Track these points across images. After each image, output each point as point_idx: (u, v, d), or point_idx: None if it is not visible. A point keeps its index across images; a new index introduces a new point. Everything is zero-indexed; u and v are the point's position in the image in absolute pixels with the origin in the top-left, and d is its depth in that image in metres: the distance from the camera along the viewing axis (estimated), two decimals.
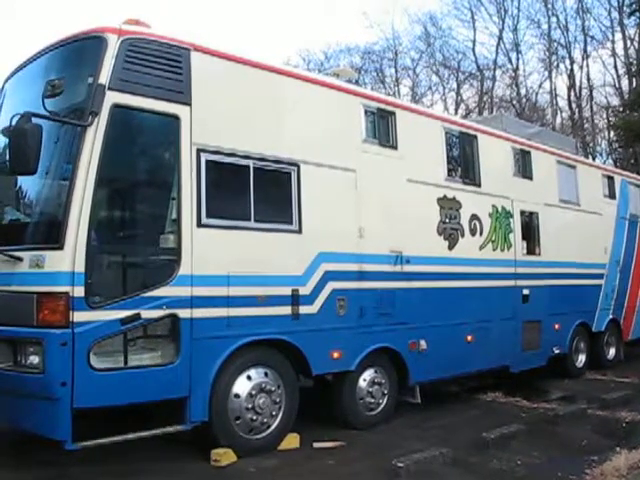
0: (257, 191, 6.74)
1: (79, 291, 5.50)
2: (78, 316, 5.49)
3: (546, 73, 34.34)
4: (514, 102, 34.23)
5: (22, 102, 6.34)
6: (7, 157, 5.68)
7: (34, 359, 5.54)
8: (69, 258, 5.48)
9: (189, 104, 6.29)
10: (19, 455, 6.40)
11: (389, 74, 39.23)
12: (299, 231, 7.07)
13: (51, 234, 5.67)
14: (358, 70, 34.85)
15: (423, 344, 8.22)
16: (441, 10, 46.54)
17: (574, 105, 33.36)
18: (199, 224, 6.23)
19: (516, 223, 10.19)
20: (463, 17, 36.34)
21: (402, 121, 8.37)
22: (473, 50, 35.75)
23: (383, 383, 7.95)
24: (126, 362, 5.81)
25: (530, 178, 10.69)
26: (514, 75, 34.57)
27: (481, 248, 9.45)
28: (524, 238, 10.39)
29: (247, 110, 6.85)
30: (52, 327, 5.46)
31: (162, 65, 6.19)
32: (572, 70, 33.15)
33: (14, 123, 5.47)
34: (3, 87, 7.37)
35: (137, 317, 5.78)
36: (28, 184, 6.40)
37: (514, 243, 10.09)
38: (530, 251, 10.50)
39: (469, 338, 8.96)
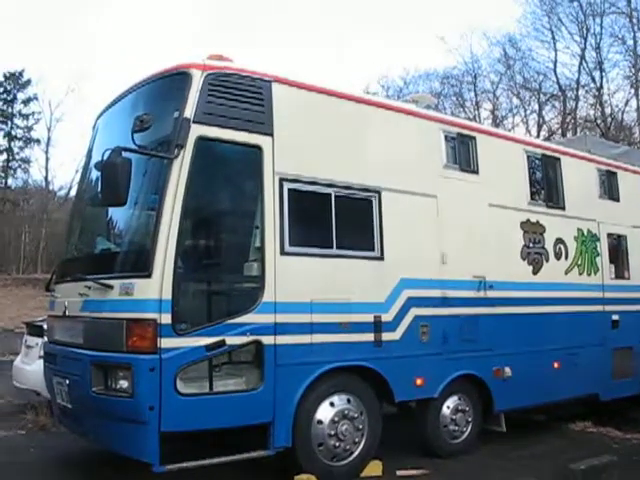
0: (339, 218, 6.80)
1: (166, 318, 5.65)
2: (165, 342, 5.64)
3: (632, 90, 33.40)
4: (598, 122, 33.36)
5: (112, 137, 6.64)
6: (99, 189, 5.93)
7: (123, 383, 5.70)
8: (157, 286, 5.65)
9: (271, 134, 6.43)
10: (110, 476, 6.58)
11: (469, 98, 39.08)
12: (381, 258, 7.08)
13: (140, 263, 5.86)
14: (437, 95, 34.80)
15: (508, 371, 8.05)
16: (520, 32, 45.63)
17: None
18: (282, 252, 6.32)
19: (603, 246, 9.91)
20: (543, 38, 35.84)
21: (483, 145, 8.31)
22: (554, 71, 35.19)
23: (467, 411, 7.83)
24: (211, 388, 5.92)
25: (617, 200, 10.38)
26: (598, 94, 33.73)
27: (567, 272, 9.22)
28: (612, 262, 10.08)
29: (328, 138, 6.94)
30: (141, 353, 5.63)
31: (244, 97, 6.36)
32: None
33: (106, 157, 5.72)
34: (95, 123, 7.72)
35: (222, 344, 5.89)
36: (118, 215, 6.65)
37: (601, 267, 9.81)
38: (619, 275, 10.17)
39: (555, 365, 8.72)
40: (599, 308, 9.63)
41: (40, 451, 7.70)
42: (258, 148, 6.36)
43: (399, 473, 6.92)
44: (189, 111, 5.99)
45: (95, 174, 6.93)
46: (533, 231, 8.79)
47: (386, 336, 6.98)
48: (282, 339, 6.22)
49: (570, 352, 8.89)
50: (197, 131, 5.98)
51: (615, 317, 9.80)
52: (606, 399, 9.67)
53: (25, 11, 71.11)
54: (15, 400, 10.52)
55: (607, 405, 9.83)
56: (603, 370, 9.54)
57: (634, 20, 32.27)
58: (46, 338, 7.68)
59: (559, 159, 9.45)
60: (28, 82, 51.24)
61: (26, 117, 51.47)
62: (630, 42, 32.80)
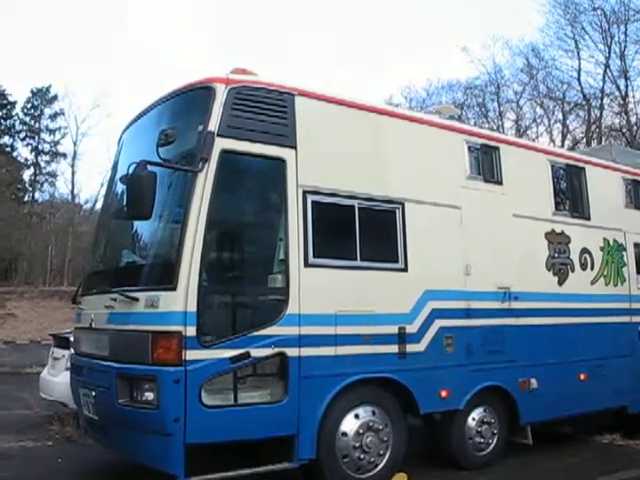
0: (362, 230, 6.80)
1: (191, 330, 5.68)
2: (190, 354, 5.66)
3: None
4: (624, 130, 33.05)
5: (138, 151, 6.69)
6: (124, 203, 5.99)
7: (149, 395, 5.73)
8: (182, 299, 5.68)
9: (294, 147, 6.45)
10: None
11: (492, 108, 38.91)
12: (405, 269, 7.06)
13: (165, 276, 5.89)
14: (460, 106, 34.68)
15: (534, 383, 7.97)
16: (543, 41, 45.19)
17: None
18: (306, 264, 6.33)
19: (629, 256, 9.79)
20: (566, 47, 35.57)
21: (506, 156, 8.27)
22: (578, 80, 34.89)
23: (493, 422, 7.76)
24: (236, 400, 5.93)
25: None
26: (623, 102, 33.41)
27: (592, 283, 9.13)
28: (639, 272, 9.98)
29: (351, 150, 6.95)
30: (166, 365, 5.65)
31: (268, 110, 6.39)
32: None
33: (131, 171, 5.78)
34: (120, 137, 7.81)
35: (246, 356, 5.91)
36: (143, 228, 6.70)
37: (628, 277, 9.70)
38: None
39: (582, 376, 8.62)
40: (626, 319, 9.51)
41: (67, 462, 7.76)
42: (282, 161, 6.39)
43: None
44: (213, 125, 6.04)
45: (120, 188, 7.01)
46: (558, 241, 8.73)
47: (411, 347, 6.95)
48: (307, 351, 6.22)
49: (597, 364, 8.79)
50: (221, 144, 6.03)
51: None
52: (635, 411, 9.54)
53: (52, 28, 72.27)
54: (42, 411, 10.61)
55: (637, 417, 9.69)
56: (632, 381, 9.39)
57: None
58: (72, 350, 7.74)
59: (584, 168, 9.38)
60: (55, 98, 52.18)
61: (53, 132, 52.40)
62: None
